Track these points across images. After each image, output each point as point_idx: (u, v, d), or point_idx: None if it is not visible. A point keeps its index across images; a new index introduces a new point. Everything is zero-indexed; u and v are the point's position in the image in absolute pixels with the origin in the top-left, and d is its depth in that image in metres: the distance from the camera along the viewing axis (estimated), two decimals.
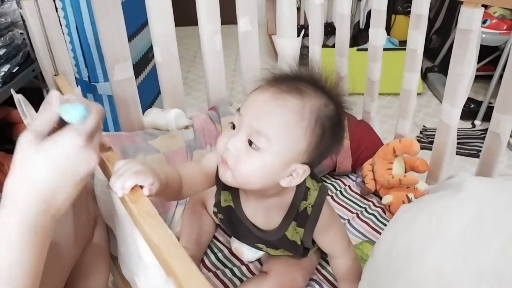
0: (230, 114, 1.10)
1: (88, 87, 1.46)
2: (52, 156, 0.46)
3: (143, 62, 1.65)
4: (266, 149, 0.58)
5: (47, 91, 1.43)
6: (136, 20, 1.53)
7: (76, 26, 1.37)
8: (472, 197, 0.59)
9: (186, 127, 1.08)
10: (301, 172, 0.61)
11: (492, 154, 0.86)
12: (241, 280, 0.83)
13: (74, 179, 0.48)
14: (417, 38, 0.96)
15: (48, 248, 0.69)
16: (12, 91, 0.58)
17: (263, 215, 0.70)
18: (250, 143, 0.58)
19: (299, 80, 0.61)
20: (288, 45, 1.21)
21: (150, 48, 1.69)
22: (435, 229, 0.57)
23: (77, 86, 1.05)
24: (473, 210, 0.57)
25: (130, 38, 1.05)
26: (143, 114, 1.13)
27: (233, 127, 0.61)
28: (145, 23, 1.62)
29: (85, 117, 0.49)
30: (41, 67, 0.95)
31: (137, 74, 1.09)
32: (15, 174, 0.46)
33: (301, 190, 0.67)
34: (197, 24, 1.09)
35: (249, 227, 0.71)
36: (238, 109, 0.61)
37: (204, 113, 1.14)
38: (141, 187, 0.54)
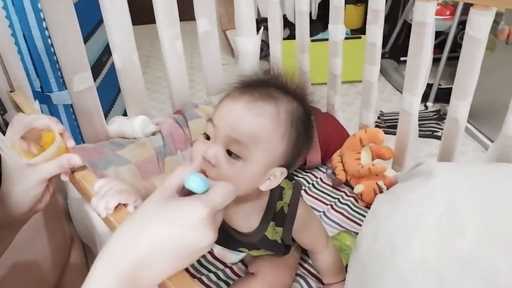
0: (197, 117, 1.10)
1: (42, 98, 1.38)
2: (170, 218, 0.41)
3: (99, 65, 1.59)
4: (247, 158, 0.58)
5: (1, 114, 1.35)
6: (89, 21, 1.47)
7: (24, 35, 1.30)
8: (442, 185, 0.63)
9: (154, 134, 1.07)
10: (279, 175, 0.62)
11: (451, 138, 0.91)
12: (226, 283, 0.83)
13: (180, 251, 0.41)
14: (375, 32, 0.99)
15: (28, 272, 0.67)
16: None
17: (243, 218, 0.70)
18: (229, 153, 0.57)
19: (268, 85, 0.62)
20: (249, 44, 1.21)
21: (105, 49, 1.63)
22: (414, 220, 0.60)
23: (35, 100, 1.00)
24: (444, 198, 0.60)
25: (85, 40, 1.01)
26: (106, 122, 1.09)
27: (207, 137, 0.60)
28: (99, 22, 1.56)
29: (207, 189, 0.45)
30: None
31: (94, 77, 1.05)
32: (129, 221, 0.43)
33: (276, 191, 0.68)
34: (148, 23, 1.06)
35: (231, 233, 0.71)
36: (210, 119, 0.60)
37: (170, 117, 1.12)
38: (125, 205, 0.53)
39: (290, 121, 0.60)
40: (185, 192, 0.46)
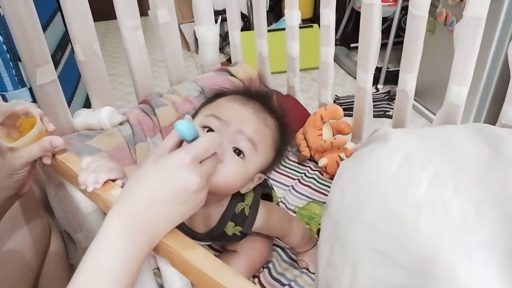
0: (164, 105, 1.12)
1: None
2: (161, 171, 0.45)
3: (54, 60, 1.56)
4: (250, 158, 0.64)
5: None
6: (46, 9, 1.44)
7: None
8: (397, 145, 0.70)
9: (121, 124, 1.08)
10: (257, 180, 0.70)
11: (402, 108, 1.00)
12: None
13: (174, 197, 0.45)
14: (328, 15, 1.06)
15: (11, 261, 0.68)
16: None
17: (202, 221, 0.72)
18: (236, 151, 0.63)
19: (263, 101, 0.71)
20: (209, 33, 1.24)
21: (63, 38, 1.60)
22: (375, 176, 0.67)
23: None
24: (401, 155, 0.67)
25: (43, 29, 1.01)
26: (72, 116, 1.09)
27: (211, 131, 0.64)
28: (56, 10, 1.53)
29: (195, 135, 0.48)
30: None
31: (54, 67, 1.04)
32: (132, 178, 0.47)
33: (238, 193, 0.71)
34: (103, 19, 1.07)
35: (189, 232, 0.73)
36: (212, 115, 0.65)
37: (136, 107, 1.14)
38: (113, 180, 0.56)
39: (278, 136, 0.71)
40: None
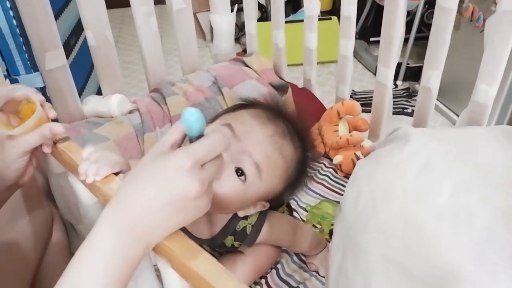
0: (175, 94, 1.09)
1: (9, 82, 1.34)
2: (157, 174, 0.40)
3: (66, 48, 1.54)
4: (252, 183, 0.58)
5: None
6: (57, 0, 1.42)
7: None
8: (419, 147, 0.66)
9: (131, 112, 1.05)
10: (260, 207, 0.65)
11: (425, 107, 0.95)
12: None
13: (172, 204, 0.40)
14: (349, 6, 1.01)
15: (9, 252, 0.66)
16: None
17: (203, 228, 0.68)
18: (238, 171, 0.57)
19: (289, 123, 0.65)
20: (223, 22, 1.20)
21: (74, 30, 1.58)
22: (393, 179, 0.63)
23: (6, 80, 0.96)
24: (421, 158, 0.63)
25: (56, 17, 0.99)
26: (81, 102, 1.07)
27: None
28: (67, 2, 1.51)
29: (202, 130, 0.42)
30: None
31: (66, 55, 1.02)
32: (128, 176, 0.43)
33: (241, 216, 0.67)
34: (113, 7, 1.04)
35: (190, 236, 0.71)
36: (227, 124, 0.60)
37: (147, 96, 1.11)
38: (116, 174, 0.53)
39: (295, 171, 0.64)
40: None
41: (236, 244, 0.70)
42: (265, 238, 0.71)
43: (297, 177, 0.66)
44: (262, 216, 0.69)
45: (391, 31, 0.92)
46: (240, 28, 2.32)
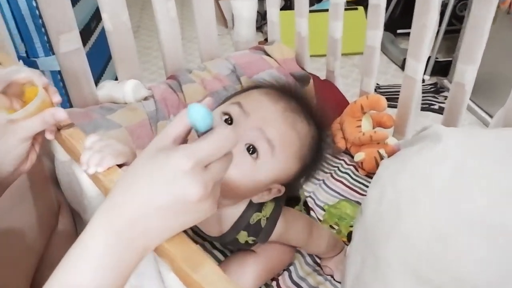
0: (192, 81, 1.05)
1: (27, 64, 1.32)
2: (156, 173, 0.36)
3: (87, 31, 1.52)
4: (264, 162, 0.55)
5: None
6: None
7: None
8: (451, 147, 0.60)
9: (146, 98, 1.02)
10: (275, 192, 0.60)
11: (456, 104, 0.88)
12: (222, 253, 0.81)
13: (171, 208, 0.36)
14: None
15: (12, 239, 0.63)
16: None
17: (214, 224, 0.65)
18: (249, 148, 0.54)
19: (301, 102, 0.61)
20: (245, 7, 1.16)
21: (95, 13, 1.56)
22: (421, 182, 0.57)
23: (19, 61, 0.94)
24: (454, 160, 0.57)
25: (72, 3, 0.96)
26: (96, 87, 1.04)
27: (228, 121, 0.56)
28: None
29: (209, 127, 0.37)
30: None
31: (83, 43, 1.00)
32: (125, 173, 0.39)
33: (255, 202, 0.63)
34: None
35: (201, 234, 0.68)
36: (237, 103, 0.56)
37: (163, 82, 1.07)
38: (120, 166, 0.49)
39: (311, 150, 0.60)
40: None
41: (250, 240, 0.66)
42: (280, 234, 0.67)
43: (313, 158, 0.61)
44: (277, 208, 0.65)
45: (423, 20, 0.86)
46: (262, 17, 2.26)
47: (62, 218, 0.75)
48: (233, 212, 0.63)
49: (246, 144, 0.54)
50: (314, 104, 0.64)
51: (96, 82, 1.06)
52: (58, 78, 1.33)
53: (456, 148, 0.59)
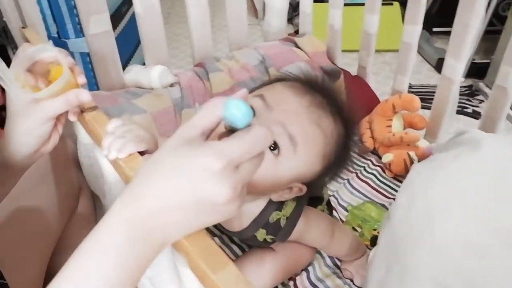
0: (219, 70, 1.03)
1: (58, 44, 1.33)
2: (181, 170, 0.33)
3: (118, 15, 1.52)
4: (286, 158, 0.52)
5: (12, 48, 1.30)
6: None
7: None
8: (492, 155, 0.56)
9: (172, 85, 1.00)
10: (296, 191, 0.58)
11: (497, 109, 0.83)
12: (240, 247, 0.79)
13: (194, 206, 0.34)
14: None
15: (31, 219, 0.63)
16: None
17: (234, 218, 0.62)
18: (271, 144, 0.51)
19: (328, 96, 0.58)
20: None
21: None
22: (456, 191, 0.53)
23: (49, 40, 0.94)
24: (494, 169, 0.53)
25: None
26: (123, 71, 1.03)
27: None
28: None
29: (248, 123, 0.34)
30: (6, 19, 0.84)
31: (112, 28, 1.00)
32: (147, 162, 0.36)
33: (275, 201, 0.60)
34: None
35: (219, 227, 0.66)
36: (260, 95, 0.54)
37: (190, 70, 1.06)
38: (141, 153, 0.48)
39: (336, 148, 0.57)
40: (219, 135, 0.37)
41: (269, 238, 0.64)
42: (300, 235, 0.65)
43: (338, 157, 0.58)
44: (298, 208, 0.63)
45: (467, 18, 0.81)
46: (294, 8, 2.22)
47: (82, 201, 0.75)
48: (253, 208, 0.61)
49: None
50: (341, 99, 0.61)
51: (124, 67, 1.06)
52: (87, 60, 1.34)
53: (496, 157, 0.55)
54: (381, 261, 0.56)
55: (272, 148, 0.52)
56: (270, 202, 0.61)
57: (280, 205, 0.61)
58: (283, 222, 0.62)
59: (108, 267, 0.33)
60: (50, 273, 0.64)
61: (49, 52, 0.51)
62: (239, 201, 0.35)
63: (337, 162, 0.59)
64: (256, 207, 0.61)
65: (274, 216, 0.61)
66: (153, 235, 0.34)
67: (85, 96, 0.51)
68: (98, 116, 0.54)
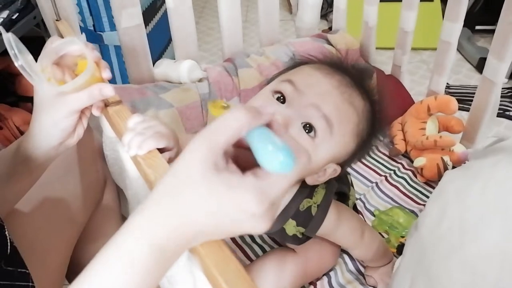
0: (248, 66, 1.02)
1: (94, 37, 1.36)
2: (220, 204, 0.31)
3: (152, 9, 1.54)
4: (322, 140, 0.51)
5: None
6: None
7: None
8: None
9: (200, 80, 1.00)
10: (331, 172, 0.56)
11: None
12: (261, 248, 0.77)
13: (221, 232, 0.33)
14: None
15: (57, 210, 0.64)
16: (1, 29, 0.48)
17: None
18: (306, 127, 0.50)
19: (356, 76, 0.57)
20: None
21: None
22: (494, 203, 0.50)
23: (82, 33, 0.96)
24: None
25: None
26: (153, 65, 1.04)
27: (281, 99, 0.52)
28: None
29: (289, 167, 0.31)
30: (42, 11, 0.86)
31: (146, 22, 1.00)
32: (167, 185, 0.33)
33: (306, 186, 0.58)
34: None
35: None
36: (288, 80, 0.53)
37: (219, 65, 1.05)
38: (161, 150, 0.47)
39: (367, 125, 0.56)
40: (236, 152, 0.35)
41: (298, 233, 0.62)
42: (330, 229, 0.63)
43: (369, 134, 0.57)
44: (328, 195, 0.61)
45: (511, 16, 0.75)
46: (329, 4, 2.17)
47: (107, 193, 0.76)
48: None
49: (303, 122, 0.50)
50: (369, 77, 0.61)
51: (155, 62, 1.06)
52: (121, 53, 1.36)
53: None
54: (407, 271, 0.53)
55: (307, 131, 0.50)
56: (300, 189, 0.59)
57: (310, 191, 0.60)
58: (314, 210, 0.60)
59: (129, 279, 0.32)
60: (73, 263, 0.65)
61: (76, 46, 0.51)
62: (270, 222, 0.33)
63: (368, 139, 0.58)
64: (286, 195, 0.59)
65: (305, 203, 0.59)
66: (177, 251, 0.33)
67: (108, 90, 0.50)
68: (122, 111, 0.54)
